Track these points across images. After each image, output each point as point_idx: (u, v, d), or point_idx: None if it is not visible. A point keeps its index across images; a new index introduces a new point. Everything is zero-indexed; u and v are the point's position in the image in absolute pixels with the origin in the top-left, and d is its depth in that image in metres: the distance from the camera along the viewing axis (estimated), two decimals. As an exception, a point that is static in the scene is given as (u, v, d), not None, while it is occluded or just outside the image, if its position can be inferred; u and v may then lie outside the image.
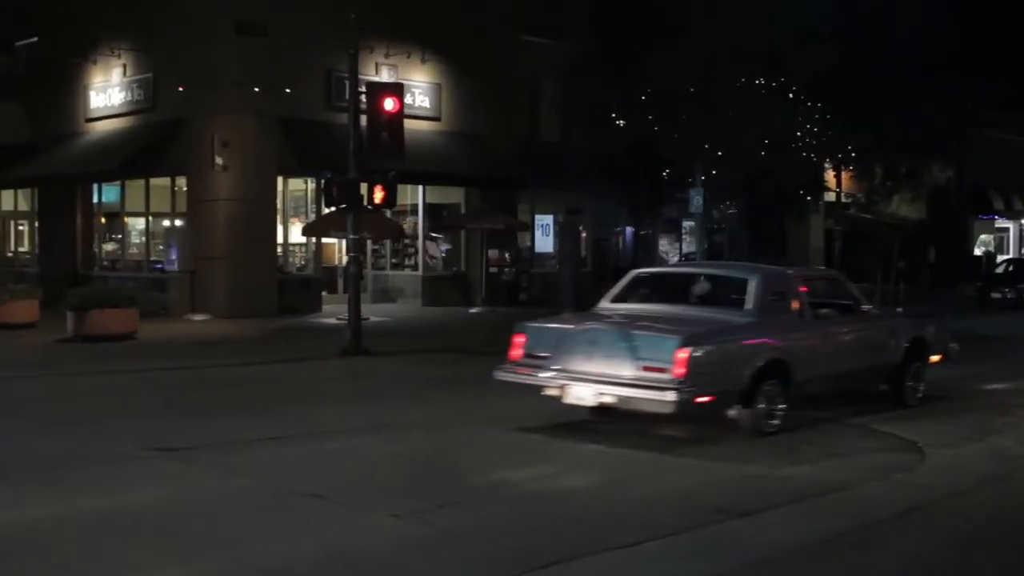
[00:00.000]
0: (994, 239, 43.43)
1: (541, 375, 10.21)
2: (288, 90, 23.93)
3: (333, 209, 25.83)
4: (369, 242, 26.46)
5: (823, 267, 27.46)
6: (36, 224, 30.50)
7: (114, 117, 26.71)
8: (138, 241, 28.31)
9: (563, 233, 25.78)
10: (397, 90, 18.13)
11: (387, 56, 26.00)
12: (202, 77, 23.92)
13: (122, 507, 7.61)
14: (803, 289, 11.09)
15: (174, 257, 24.74)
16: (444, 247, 29.03)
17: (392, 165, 18.18)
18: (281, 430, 10.71)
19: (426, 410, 12.24)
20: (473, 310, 26.62)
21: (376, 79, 26.09)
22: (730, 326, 10.32)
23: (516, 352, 10.54)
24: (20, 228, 32.55)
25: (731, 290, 11.11)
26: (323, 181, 18.27)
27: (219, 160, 23.77)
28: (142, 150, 24.63)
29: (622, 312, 10.98)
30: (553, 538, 6.87)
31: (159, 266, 27.05)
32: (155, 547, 6.66)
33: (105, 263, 28.43)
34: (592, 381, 9.86)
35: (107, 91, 26.88)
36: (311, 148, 24.37)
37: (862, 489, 8.43)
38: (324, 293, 26.40)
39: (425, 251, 28.15)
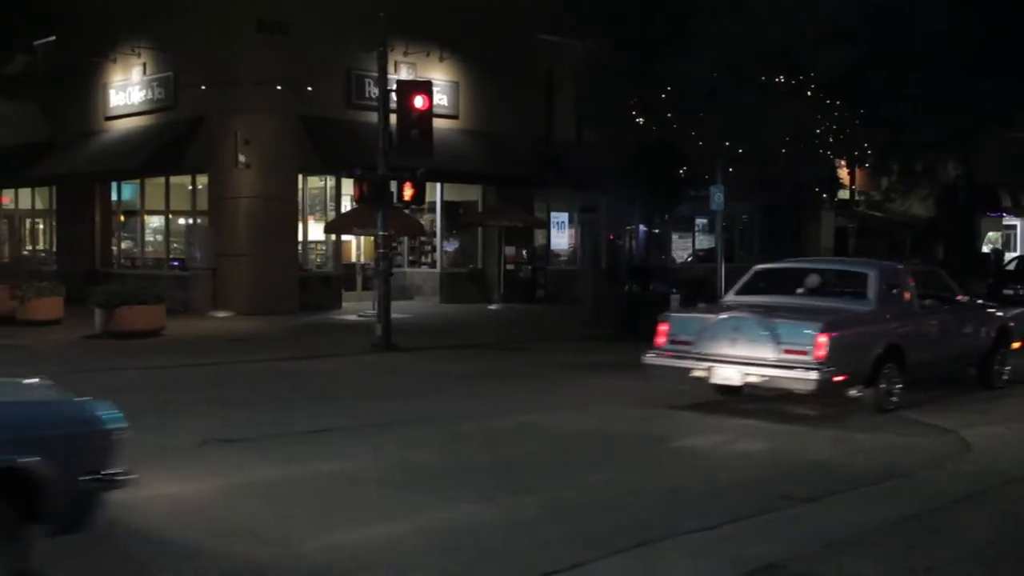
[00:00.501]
0: (1002, 236, 43.63)
1: (688, 360, 11.46)
2: (309, 88, 24.08)
3: (354, 206, 26.16)
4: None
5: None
6: (54, 222, 30.65)
7: (134, 116, 26.84)
8: (157, 239, 28.46)
9: (583, 231, 25.91)
10: (426, 88, 18.31)
11: (406, 55, 26.12)
12: (223, 76, 24.07)
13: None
14: (911, 281, 12.27)
15: (196, 254, 24.85)
16: (452, 245, 29.16)
17: (421, 162, 18.36)
18: (336, 422, 10.91)
19: (487, 401, 12.62)
20: (491, 307, 26.80)
21: (394, 77, 26.30)
22: (857, 315, 11.58)
23: (661, 339, 11.79)
24: (37, 226, 32.71)
25: (850, 283, 12.46)
26: (354, 178, 18.37)
27: (242, 158, 23.92)
28: (164, 148, 24.75)
29: (751, 303, 12.04)
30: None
31: (176, 263, 27.23)
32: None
33: (124, 261, 28.57)
34: (737, 363, 11.05)
35: (127, 90, 27.02)
36: (332, 146, 24.52)
37: (924, 475, 8.75)
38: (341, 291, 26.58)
39: (443, 248, 28.36)
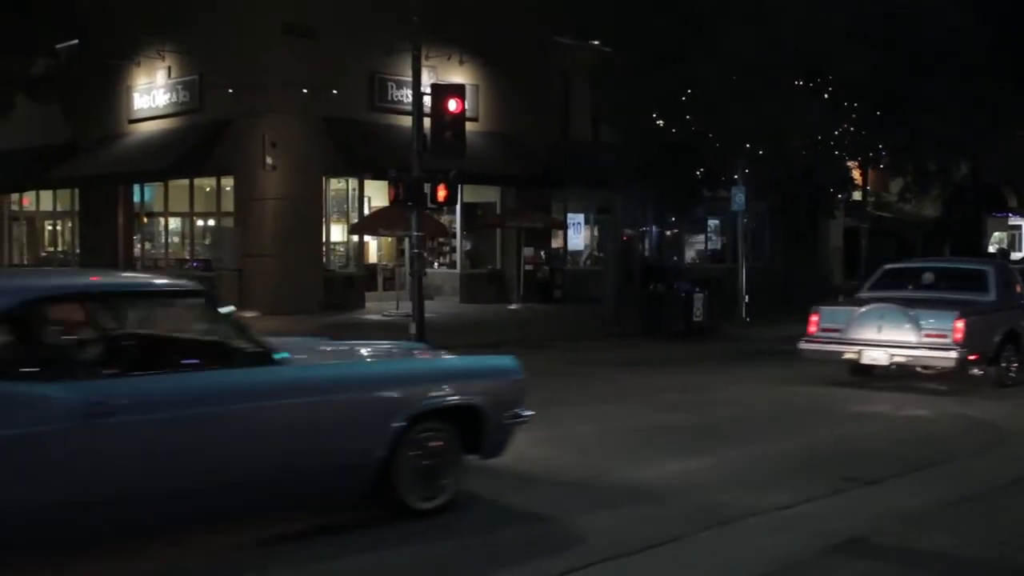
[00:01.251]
0: (1007, 236, 44.14)
1: (839, 345, 13.62)
2: (335, 92, 24.43)
3: (375, 208, 26.54)
4: (408, 240, 26.98)
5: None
6: (76, 224, 30.95)
7: (159, 118, 27.18)
8: (174, 240, 28.82)
9: (605, 231, 26.34)
10: (460, 91, 18.62)
11: (427, 58, 26.26)
12: (250, 78, 24.39)
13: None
14: (1020, 277, 14.65)
15: (222, 255, 25.18)
16: (471, 245, 29.54)
17: (454, 164, 18.72)
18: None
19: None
20: (511, 307, 27.18)
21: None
22: (982, 305, 13.66)
23: (812, 328, 13.97)
24: (55, 227, 33.00)
25: (970, 279, 14.32)
26: (388, 180, 18.71)
27: (269, 160, 24.26)
28: (191, 150, 25.08)
29: (887, 296, 13.97)
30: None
31: (195, 264, 27.61)
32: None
33: (147, 262, 28.90)
34: (884, 347, 13.23)
35: (151, 92, 27.35)
36: (355, 148, 24.92)
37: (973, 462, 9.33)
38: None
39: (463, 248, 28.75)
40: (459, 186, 19.11)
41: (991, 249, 41.66)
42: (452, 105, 18.12)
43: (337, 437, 6.50)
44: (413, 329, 18.54)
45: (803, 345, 13.96)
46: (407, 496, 6.77)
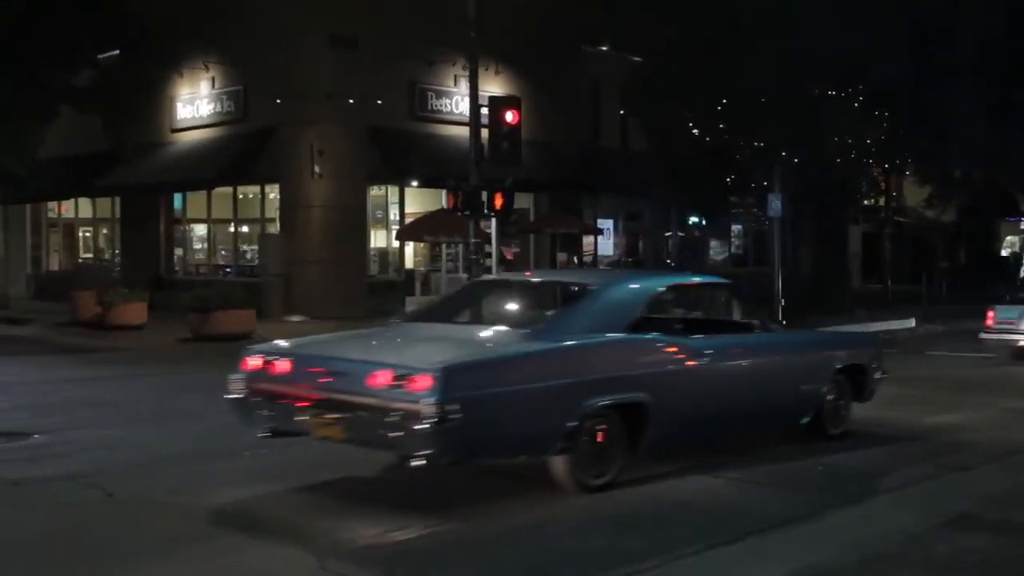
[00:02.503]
0: (1020, 240, 44.92)
1: (1013, 335, 16.49)
2: (380, 101, 25.11)
3: (416, 214, 27.21)
4: (444, 247, 27.70)
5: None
6: (116, 231, 31.57)
7: (202, 127, 27.80)
8: (211, 246, 29.47)
9: (646, 236, 27.08)
10: (516, 103, 19.36)
11: (464, 68, 27.07)
12: (295, 89, 25.05)
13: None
14: None
15: (268, 261, 25.81)
16: (510, 250, 30.24)
17: (510, 173, 19.43)
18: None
19: None
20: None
21: (454, 90, 27.49)
22: None
23: (989, 322, 16.87)
24: (92, 234, 33.63)
25: None
26: (447, 188, 19.43)
27: (316, 168, 24.92)
28: (237, 159, 25.70)
29: None
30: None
31: (229, 270, 28.32)
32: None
33: (190, 268, 29.54)
34: None
35: (194, 102, 27.99)
36: (398, 156, 25.62)
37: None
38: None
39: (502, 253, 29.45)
40: (513, 194, 19.74)
41: (1004, 252, 42.50)
42: (509, 116, 18.88)
43: (802, 381, 9.61)
44: (471, 332, 19.24)
45: (983, 335, 16.85)
46: (827, 425, 9.82)
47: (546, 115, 28.91)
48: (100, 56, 29.94)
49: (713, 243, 35.46)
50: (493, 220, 29.34)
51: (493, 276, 11.92)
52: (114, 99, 29.43)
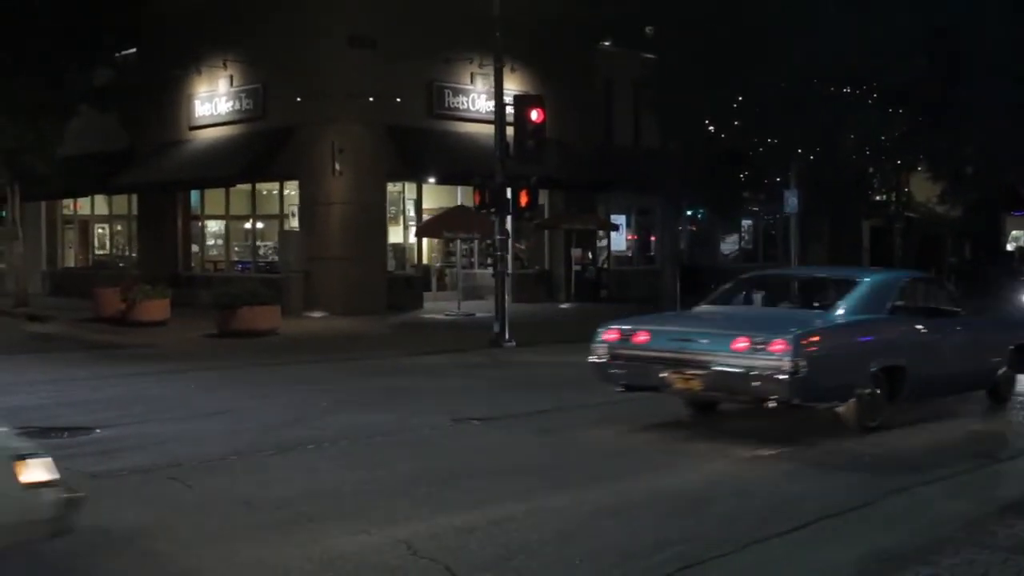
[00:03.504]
0: (1024, 234, 45.25)
1: None
2: (399, 100, 25.38)
3: (434, 211, 27.47)
4: (460, 242, 27.97)
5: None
6: (133, 228, 31.82)
7: (220, 125, 28.07)
8: (218, 243, 29.74)
9: (663, 232, 27.35)
10: (540, 102, 19.63)
11: (481, 67, 27.40)
12: (315, 88, 25.31)
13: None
14: None
15: (289, 258, 26.06)
16: (525, 245, 30.53)
17: (535, 170, 19.70)
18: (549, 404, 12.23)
19: None
20: (563, 306, 28.16)
21: (471, 88, 27.77)
22: None
23: None
24: (107, 231, 33.86)
25: None
26: (473, 186, 19.70)
27: (337, 166, 25.19)
28: (258, 157, 25.97)
29: None
30: None
31: (241, 267, 28.59)
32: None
33: (207, 265, 29.80)
34: None
35: (213, 100, 28.24)
36: (416, 154, 25.90)
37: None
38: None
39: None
40: (538, 191, 20.02)
41: (1009, 247, 42.79)
42: (534, 115, 19.15)
43: (992, 355, 11.72)
44: (497, 328, 19.53)
45: None
46: (1003, 391, 11.93)
47: (561, 112, 29.10)
48: (118, 55, 30.23)
49: (723, 238, 35.78)
50: (508, 216, 29.76)
51: (759, 272, 13.54)
52: (132, 97, 29.73)
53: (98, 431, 10.54)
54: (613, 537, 6.80)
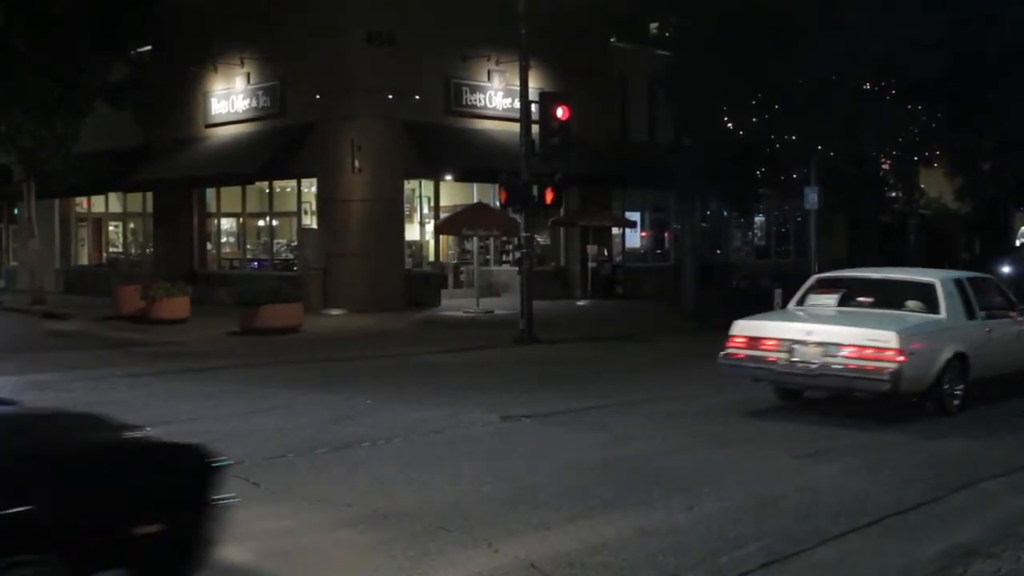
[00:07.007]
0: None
1: None
2: (417, 97, 25.40)
3: (453, 207, 27.50)
4: (476, 239, 27.98)
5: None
6: (143, 225, 31.81)
7: (237, 123, 28.06)
8: (230, 240, 29.76)
9: (683, 228, 27.39)
10: (566, 100, 19.67)
11: (498, 63, 27.46)
12: (333, 84, 25.32)
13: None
14: None
15: (308, 255, 26.08)
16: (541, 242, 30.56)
17: (556, 167, 19.74)
18: (598, 401, 12.29)
19: None
20: (580, 303, 28.20)
21: (487, 85, 27.79)
22: None
23: None
24: (117, 228, 33.85)
25: None
26: (499, 183, 19.74)
27: (356, 163, 25.21)
28: (277, 154, 25.96)
29: None
30: None
31: (254, 265, 28.61)
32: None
33: (223, 262, 29.80)
34: None
35: (229, 97, 28.24)
36: (434, 151, 25.93)
37: None
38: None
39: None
40: (562, 188, 20.06)
41: (1018, 242, 42.87)
42: (560, 112, 19.20)
43: None
44: (522, 324, 19.57)
45: None
46: None
47: (577, 109, 28.97)
48: (134, 52, 30.11)
49: (736, 234, 35.84)
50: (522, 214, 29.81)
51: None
52: (148, 94, 29.58)
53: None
54: (688, 535, 6.84)
